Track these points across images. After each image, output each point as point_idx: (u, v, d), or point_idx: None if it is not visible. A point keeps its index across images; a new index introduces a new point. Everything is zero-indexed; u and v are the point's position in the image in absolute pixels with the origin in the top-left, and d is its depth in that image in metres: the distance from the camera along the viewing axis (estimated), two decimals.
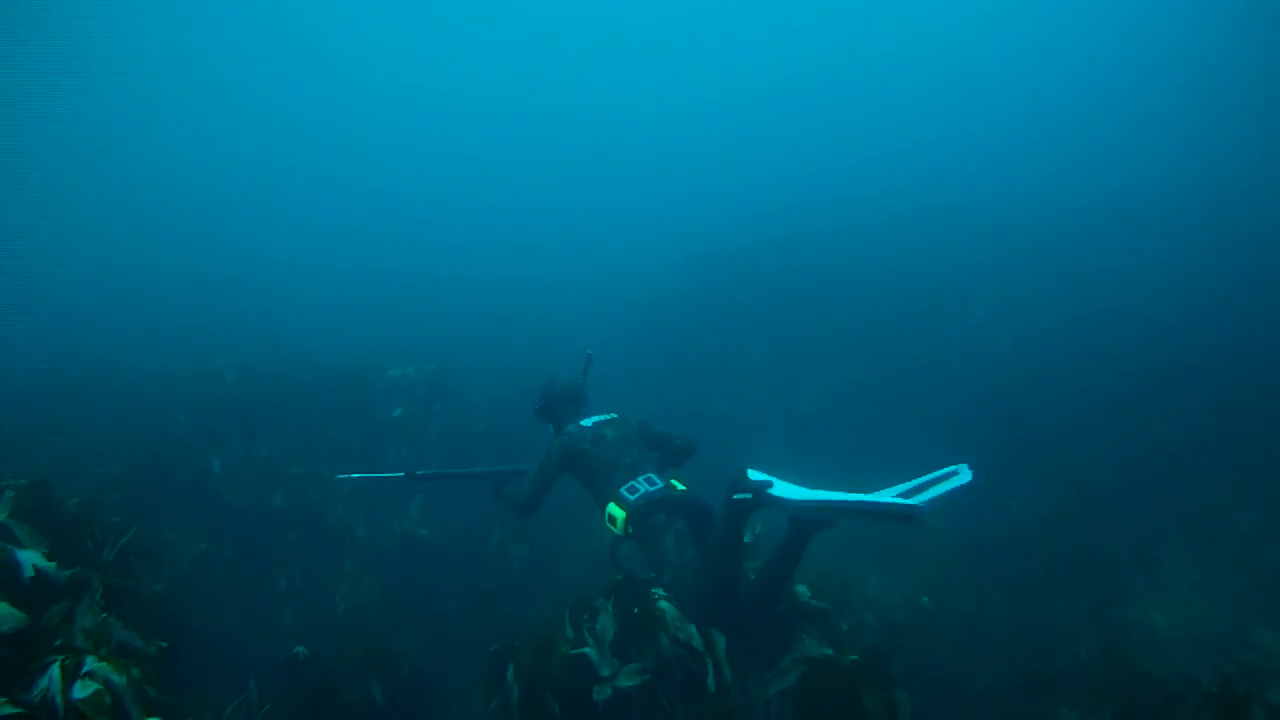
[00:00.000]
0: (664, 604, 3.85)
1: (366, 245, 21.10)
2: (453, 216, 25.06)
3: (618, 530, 4.43)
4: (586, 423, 4.85)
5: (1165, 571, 6.96)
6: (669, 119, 31.59)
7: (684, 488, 4.51)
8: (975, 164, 18.39)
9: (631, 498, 4.38)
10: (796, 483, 3.87)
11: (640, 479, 4.48)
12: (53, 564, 3.65)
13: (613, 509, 4.44)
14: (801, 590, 4.14)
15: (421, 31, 35.68)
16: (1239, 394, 8.87)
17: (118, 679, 3.05)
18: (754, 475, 3.90)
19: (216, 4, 28.36)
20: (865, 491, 3.72)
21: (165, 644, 3.85)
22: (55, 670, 2.98)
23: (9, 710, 2.80)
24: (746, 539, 4.20)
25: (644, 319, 14.20)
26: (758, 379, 11.90)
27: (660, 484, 4.46)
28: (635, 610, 3.82)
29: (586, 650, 3.73)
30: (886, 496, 3.72)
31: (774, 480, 3.85)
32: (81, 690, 2.95)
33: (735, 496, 3.88)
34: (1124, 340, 10.38)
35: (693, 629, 3.77)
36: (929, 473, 3.94)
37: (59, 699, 2.90)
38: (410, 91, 35.20)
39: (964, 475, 3.90)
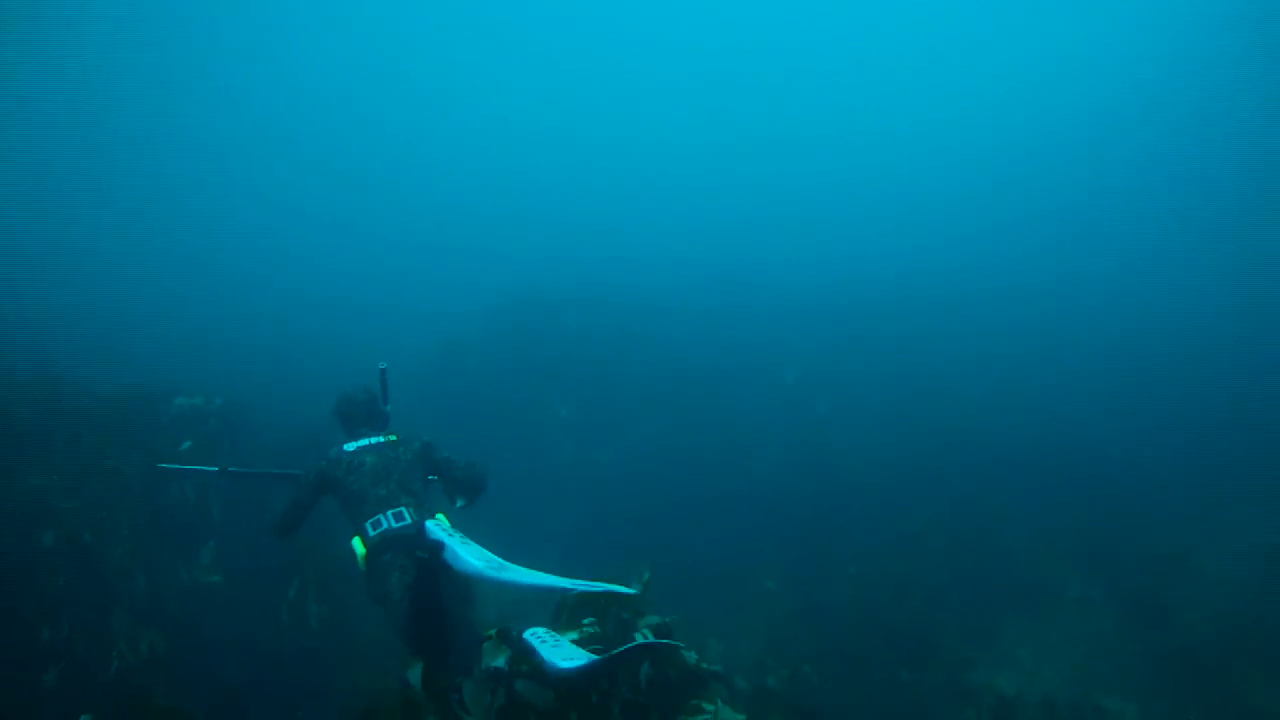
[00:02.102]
0: (519, 684, 3.59)
1: (154, 262, 19.27)
2: (249, 236, 23.44)
3: (362, 567, 4.30)
4: (350, 446, 4.70)
5: (1004, 641, 7.53)
6: (481, 160, 31.48)
7: (442, 524, 4.35)
8: (796, 236, 20.08)
9: (372, 533, 4.24)
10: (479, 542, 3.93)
11: (389, 513, 4.29)
12: None
13: (355, 544, 4.33)
14: (689, 655, 3.92)
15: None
16: (1060, 464, 9.98)
17: None
18: (433, 530, 3.99)
19: None
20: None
21: None
22: None
23: None
24: (635, 589, 4.13)
25: (441, 362, 14.05)
26: (563, 434, 12.10)
27: (410, 520, 4.27)
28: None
29: None
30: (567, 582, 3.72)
31: (449, 540, 3.88)
32: None
33: (416, 553, 3.94)
34: (941, 411, 11.52)
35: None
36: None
37: None
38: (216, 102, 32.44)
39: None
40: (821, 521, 9.66)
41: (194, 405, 8.36)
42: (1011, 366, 12.91)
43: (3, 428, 6.97)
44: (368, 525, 4.26)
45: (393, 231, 25.03)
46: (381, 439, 4.78)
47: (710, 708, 3.71)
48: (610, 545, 9.68)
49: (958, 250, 18.43)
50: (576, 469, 11.79)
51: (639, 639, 3.81)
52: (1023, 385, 12.28)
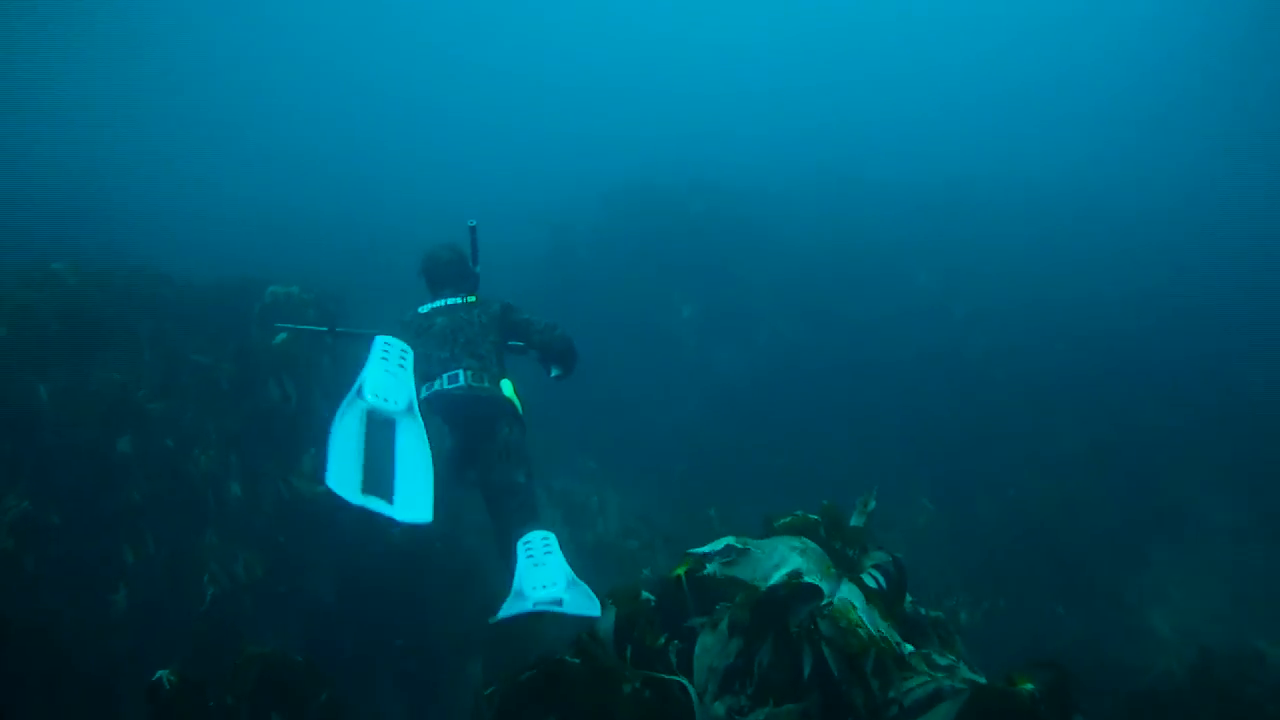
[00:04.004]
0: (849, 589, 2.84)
1: (245, 151, 18.55)
2: (345, 136, 22.53)
3: None
4: (425, 308, 4.41)
5: (1154, 572, 6.85)
6: (586, 44, 29.62)
7: (501, 391, 4.06)
8: (929, 143, 18.11)
9: (423, 395, 3.96)
10: None
11: (445, 375, 4.02)
12: None
13: None
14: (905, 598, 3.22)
15: None
16: (1210, 386, 9.01)
17: None
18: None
19: None
20: None
21: None
22: None
23: None
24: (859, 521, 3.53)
25: (551, 247, 12.99)
26: (686, 334, 11.01)
27: (463, 383, 3.98)
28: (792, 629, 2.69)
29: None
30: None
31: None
32: None
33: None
34: (1082, 318, 10.36)
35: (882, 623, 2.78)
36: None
37: None
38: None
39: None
40: (969, 436, 8.78)
41: (289, 294, 7.43)
42: (1162, 273, 11.42)
43: (84, 319, 6.20)
44: (422, 388, 3.98)
45: (489, 119, 23.76)
46: (459, 300, 4.42)
47: (944, 660, 2.86)
48: (732, 450, 8.80)
49: (1105, 149, 16.22)
50: (697, 367, 10.81)
51: (868, 581, 3.05)
52: (1171, 293, 10.89)
